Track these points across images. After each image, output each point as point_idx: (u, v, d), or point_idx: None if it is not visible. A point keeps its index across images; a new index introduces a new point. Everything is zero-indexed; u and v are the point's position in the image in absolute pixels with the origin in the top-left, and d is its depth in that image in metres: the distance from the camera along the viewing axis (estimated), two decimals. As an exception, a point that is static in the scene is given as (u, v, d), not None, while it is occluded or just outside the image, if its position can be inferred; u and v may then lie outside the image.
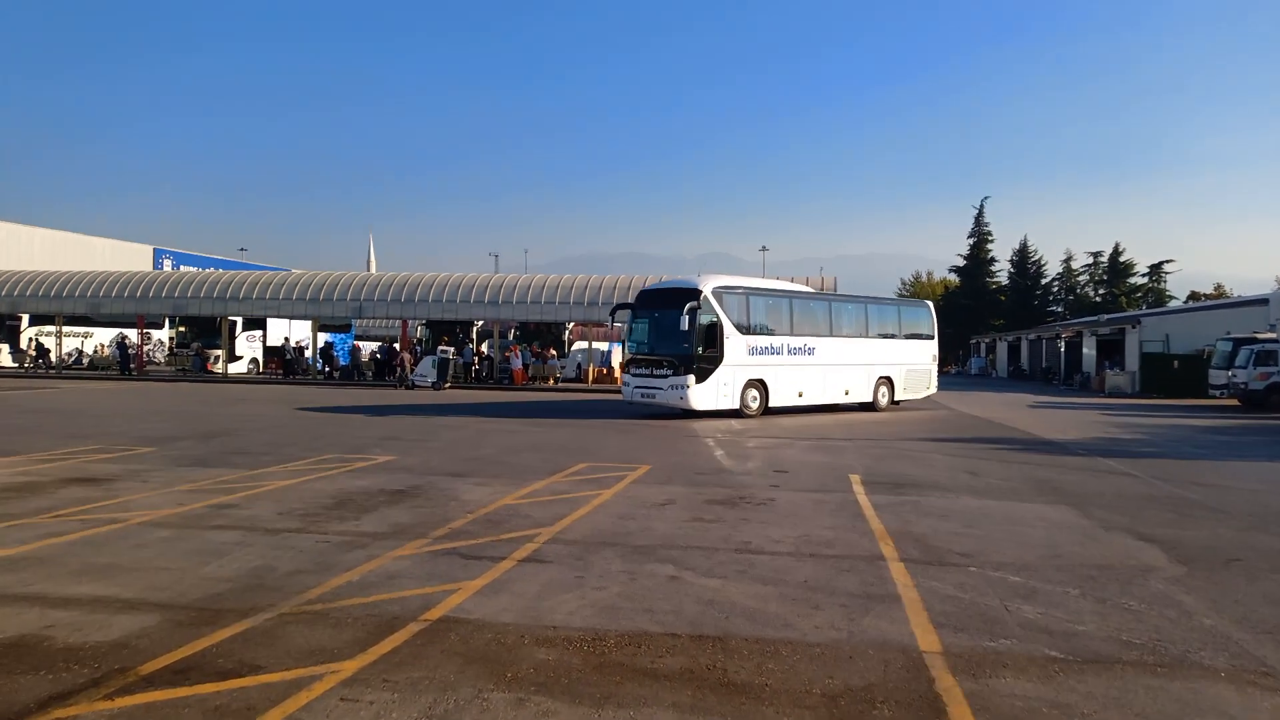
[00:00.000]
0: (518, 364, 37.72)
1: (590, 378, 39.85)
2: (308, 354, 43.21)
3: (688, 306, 21.05)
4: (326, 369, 41.94)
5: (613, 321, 26.20)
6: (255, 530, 8.32)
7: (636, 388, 22.32)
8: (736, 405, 22.28)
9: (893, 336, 27.46)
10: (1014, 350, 66.11)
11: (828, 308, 25.84)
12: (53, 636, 5.27)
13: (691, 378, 21.26)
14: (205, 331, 44.64)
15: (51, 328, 43.77)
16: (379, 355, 42.52)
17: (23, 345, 44.08)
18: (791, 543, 8.08)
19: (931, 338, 28.84)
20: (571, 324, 45.05)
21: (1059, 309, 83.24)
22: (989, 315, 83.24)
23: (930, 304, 30.37)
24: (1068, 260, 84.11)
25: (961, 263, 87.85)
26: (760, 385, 22.92)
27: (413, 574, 6.80)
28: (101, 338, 46.90)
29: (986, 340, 74.68)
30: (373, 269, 46.27)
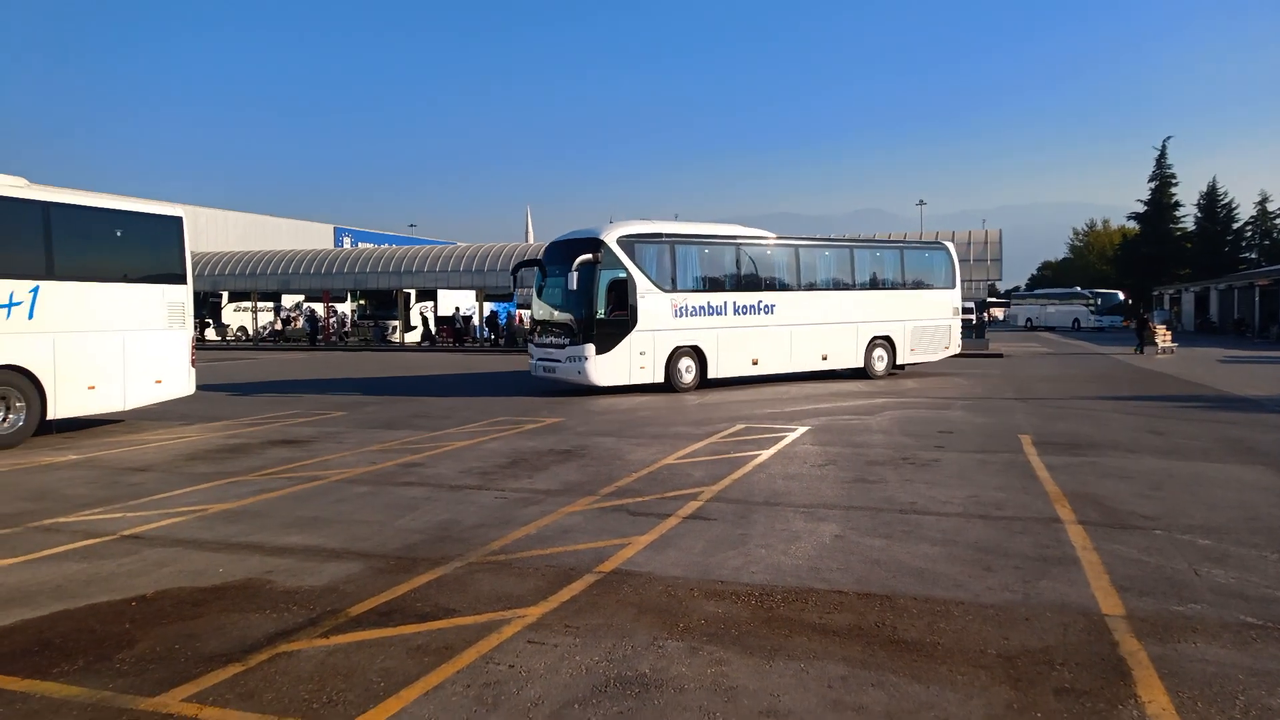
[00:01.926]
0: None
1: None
2: (474, 322, 45.24)
3: (579, 261, 17.40)
4: (492, 336, 43.79)
5: (515, 283, 22.17)
6: (440, 487, 8.93)
7: (539, 360, 18.87)
8: (661, 378, 18.46)
9: (894, 286, 22.59)
10: (1201, 301, 60.83)
11: (792, 255, 21.05)
12: (273, 581, 5.90)
13: (590, 347, 17.60)
14: (383, 304, 47.50)
15: (247, 303, 47.77)
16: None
17: (225, 320, 48.40)
18: (960, 503, 7.92)
19: (950, 287, 23.58)
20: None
21: (1253, 255, 75.73)
22: (1173, 265, 76.76)
23: (949, 245, 24.36)
24: (1263, 202, 76.09)
25: (1141, 209, 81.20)
26: (695, 353, 19.05)
27: (585, 529, 7.14)
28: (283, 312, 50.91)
29: (1171, 291, 69.08)
30: (531, 241, 47.89)
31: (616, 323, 17.83)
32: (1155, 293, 72.51)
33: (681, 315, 18.73)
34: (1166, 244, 77.75)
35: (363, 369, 28.07)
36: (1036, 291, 73.30)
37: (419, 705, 3.99)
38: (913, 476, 9.18)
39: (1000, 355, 31.69)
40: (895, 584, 5.64)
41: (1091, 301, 65.17)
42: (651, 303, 18.25)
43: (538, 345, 18.86)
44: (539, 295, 18.99)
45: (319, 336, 44.76)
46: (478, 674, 4.30)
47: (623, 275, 17.89)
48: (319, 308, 47.45)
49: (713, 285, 19.53)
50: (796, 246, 21.21)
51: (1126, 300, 67.93)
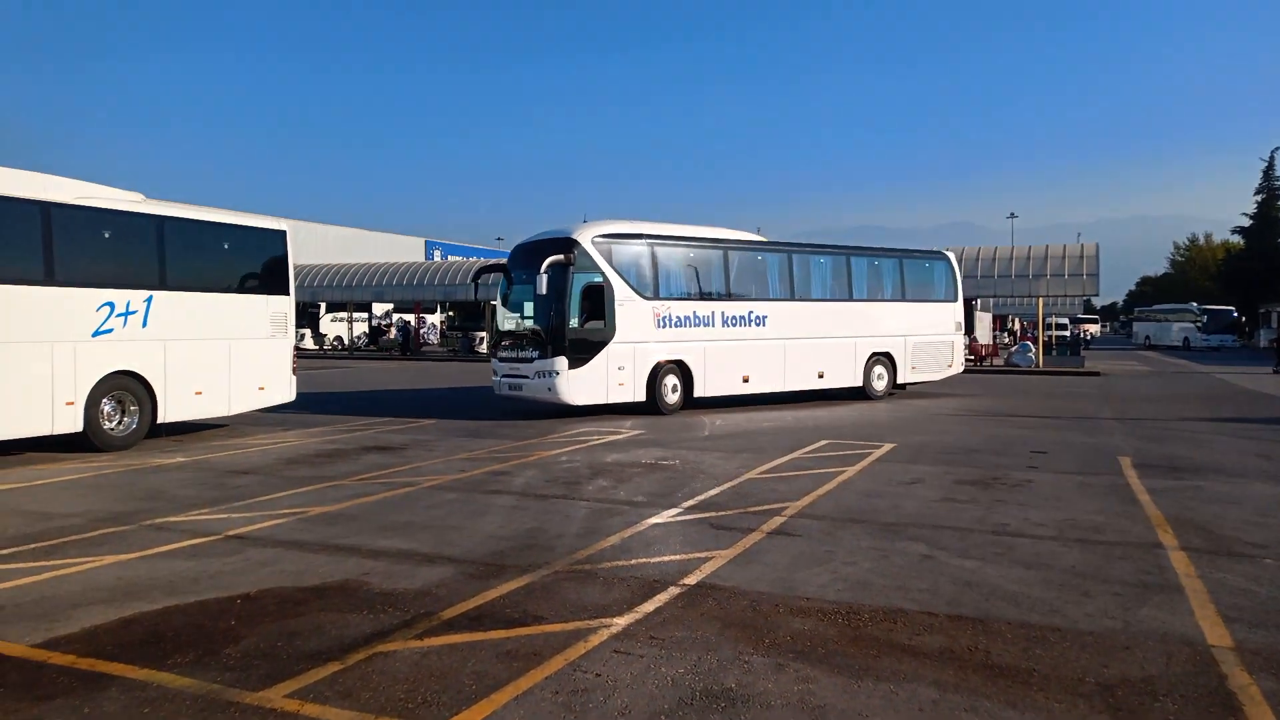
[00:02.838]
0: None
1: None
2: None
3: (548, 263, 15.31)
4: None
5: (476, 290, 19.78)
6: (527, 495, 9.10)
7: (504, 376, 16.72)
8: (643, 396, 16.57)
9: (893, 299, 20.78)
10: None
11: (785, 262, 19.19)
12: (369, 582, 6.10)
13: (562, 360, 15.60)
14: (470, 315, 48.63)
15: (344, 313, 49.46)
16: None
17: (322, 330, 50.25)
18: (1055, 526, 7.68)
19: (952, 300, 21.86)
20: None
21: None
22: (1280, 281, 72.58)
23: (950, 255, 22.38)
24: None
25: (1246, 222, 77.13)
26: (679, 369, 17.10)
27: (668, 541, 7.18)
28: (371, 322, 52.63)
29: (1279, 309, 65.38)
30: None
31: (592, 334, 15.91)
32: (1262, 310, 68.82)
33: (665, 326, 16.79)
34: (1275, 259, 73.71)
35: (450, 379, 28.74)
36: (1155, 308, 70.15)
37: (509, 710, 4.08)
38: (1004, 497, 8.94)
39: (1097, 374, 30.56)
40: (988, 607, 5.51)
41: (1198, 318, 62.16)
42: (631, 311, 16.29)
43: (502, 359, 16.75)
44: (504, 303, 17.32)
45: (410, 346, 46.02)
46: (565, 681, 4.38)
47: (599, 280, 15.92)
48: (410, 318, 48.80)
49: (699, 293, 17.63)
50: (790, 252, 19.52)
51: (1240, 318, 64.56)
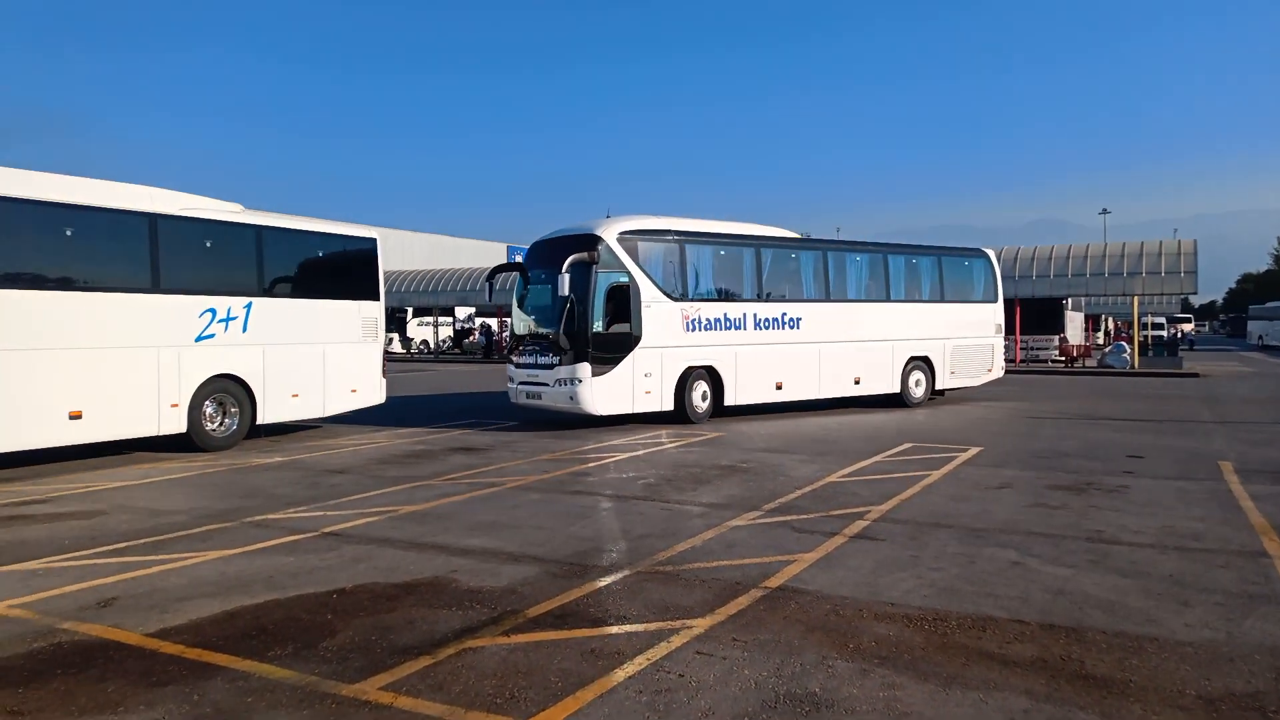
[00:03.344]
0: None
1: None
2: None
3: (570, 262, 14.31)
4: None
5: (491, 290, 18.88)
6: (608, 496, 9.21)
7: (521, 384, 15.61)
8: (671, 405, 15.48)
9: (931, 299, 19.63)
10: None
11: (819, 260, 18.04)
12: (458, 580, 6.27)
13: (585, 367, 14.48)
14: None
15: (429, 318, 50.68)
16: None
17: (409, 334, 51.64)
18: (1152, 533, 7.40)
19: (992, 301, 20.70)
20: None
21: None
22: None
23: (990, 253, 21.22)
24: None
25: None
26: (709, 375, 16.04)
27: (749, 543, 7.17)
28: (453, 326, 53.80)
29: None
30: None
31: (617, 337, 14.85)
32: None
33: (694, 329, 15.76)
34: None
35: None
36: (1269, 305, 66.56)
37: (594, 707, 4.15)
38: (1099, 503, 8.66)
39: (1195, 375, 29.25)
40: (1081, 616, 5.35)
41: None
42: (659, 313, 15.27)
43: (519, 365, 15.65)
44: (520, 305, 16.17)
45: (492, 349, 46.85)
46: (649, 681, 4.43)
47: (624, 280, 14.91)
48: (493, 322, 49.67)
49: (730, 294, 16.62)
50: (826, 250, 18.39)
51: None
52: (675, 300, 15.54)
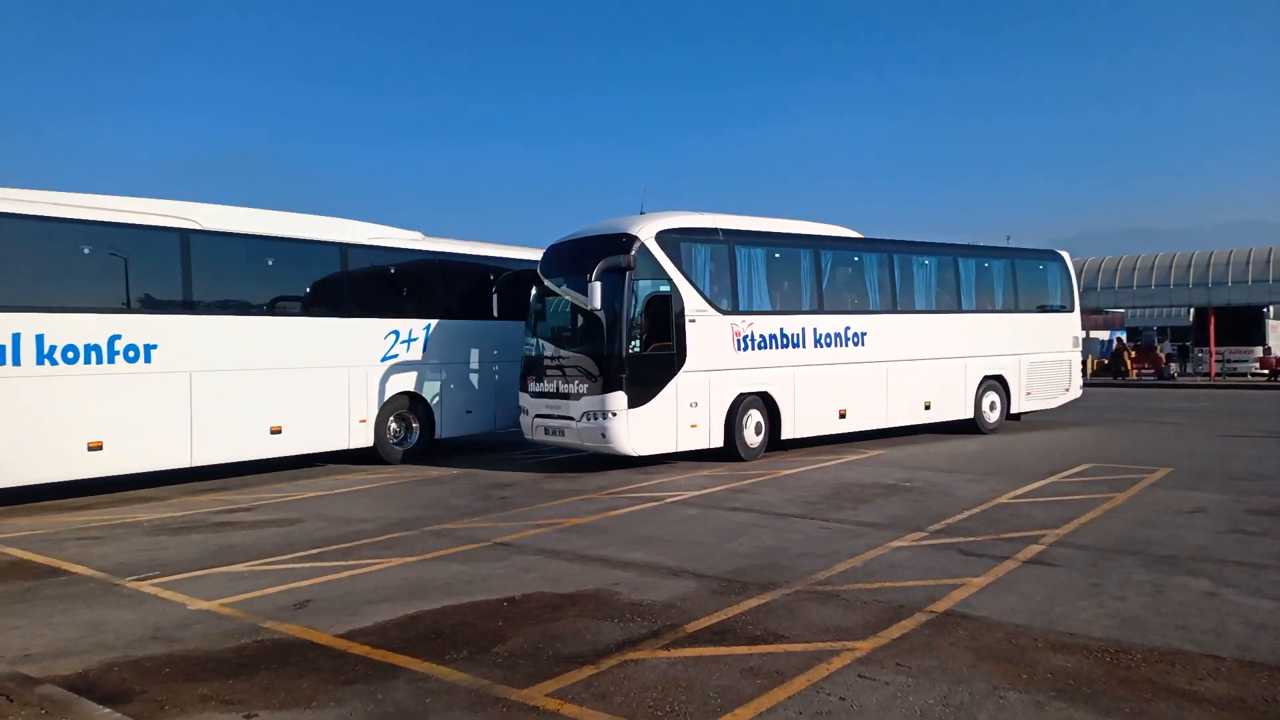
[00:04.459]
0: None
1: (1090, 370, 36.49)
2: None
3: (600, 268, 11.70)
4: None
5: (496, 304, 14.38)
6: (766, 514, 9.18)
7: (539, 416, 12.96)
8: (720, 440, 12.97)
9: (1004, 309, 17.08)
10: None
11: (885, 264, 15.44)
12: (619, 592, 6.43)
13: (619, 397, 11.91)
14: None
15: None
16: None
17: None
18: (1377, 567, 6.67)
19: (1068, 310, 18.20)
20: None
21: None
22: None
23: (1065, 254, 18.62)
24: None
25: None
26: (764, 404, 13.61)
27: (913, 565, 6.98)
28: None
29: None
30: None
31: (656, 359, 12.32)
32: None
33: (746, 348, 13.28)
34: None
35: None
36: None
37: (754, 725, 4.18)
38: (1311, 531, 7.87)
39: None
40: (1287, 655, 4.91)
41: None
42: (706, 329, 12.79)
43: (535, 395, 13.01)
44: (536, 322, 13.53)
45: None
46: (809, 702, 4.41)
47: (665, 289, 12.43)
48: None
49: (786, 304, 14.14)
50: (892, 252, 15.65)
51: None
52: (724, 313, 13.07)
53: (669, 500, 10.05)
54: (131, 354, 10.60)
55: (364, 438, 13.21)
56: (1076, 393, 18.21)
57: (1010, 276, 17.31)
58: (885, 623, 5.56)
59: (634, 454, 12.20)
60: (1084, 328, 41.10)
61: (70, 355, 10.12)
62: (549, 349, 13.10)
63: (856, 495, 10.10)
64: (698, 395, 12.64)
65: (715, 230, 13.34)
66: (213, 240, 11.59)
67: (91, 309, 10.43)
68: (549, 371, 12.85)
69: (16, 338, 9.73)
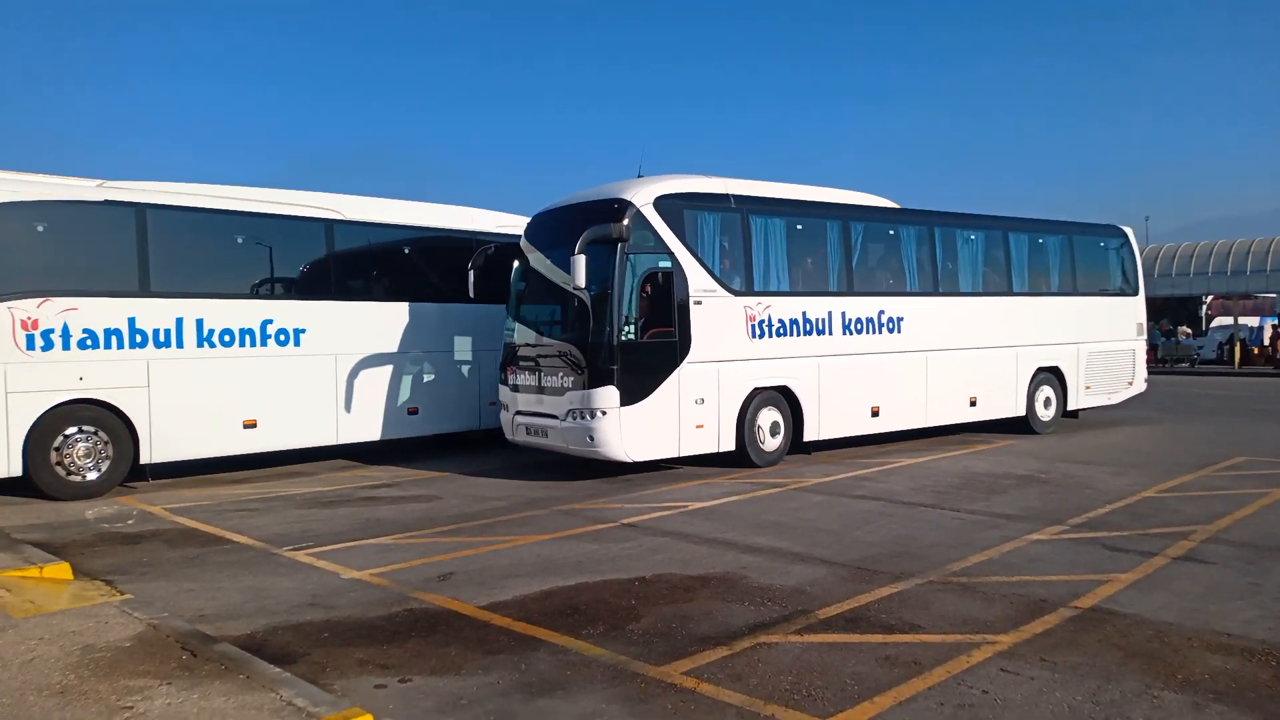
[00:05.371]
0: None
1: (1238, 359, 34.25)
2: None
3: (587, 239, 9.90)
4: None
5: (472, 280, 12.14)
6: (893, 502, 9.05)
7: (519, 414, 11.23)
8: (731, 443, 11.16)
9: (1060, 291, 15.04)
10: None
11: (925, 238, 13.34)
12: (748, 576, 6.48)
13: (610, 393, 10.12)
14: None
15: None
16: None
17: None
18: None
19: (1132, 293, 16.09)
20: (1209, 297, 39.15)
21: None
22: None
23: (1128, 230, 16.38)
24: None
25: None
26: (784, 399, 11.76)
27: (1054, 559, 6.77)
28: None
29: None
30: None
31: (655, 348, 10.55)
32: None
33: (761, 335, 11.41)
34: None
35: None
36: None
37: (892, 713, 4.16)
38: None
39: None
40: None
41: None
42: (714, 312, 10.96)
43: (515, 389, 11.33)
44: (518, 303, 11.74)
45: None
46: (950, 693, 4.36)
47: (665, 264, 10.60)
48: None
49: (810, 284, 12.27)
50: (933, 225, 13.51)
51: None
52: (736, 294, 11.21)
53: (792, 486, 10.01)
54: (282, 338, 11.27)
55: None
56: (1140, 386, 16.40)
57: (1068, 254, 15.30)
58: (1026, 617, 5.42)
59: (627, 459, 10.39)
60: (1232, 313, 38.58)
61: (227, 339, 10.84)
62: (529, 335, 11.37)
63: (989, 486, 9.82)
64: (704, 390, 10.89)
65: (726, 196, 11.40)
66: (353, 229, 12.16)
67: (245, 295, 11.14)
68: (530, 362, 11.13)
69: (180, 322, 10.48)
